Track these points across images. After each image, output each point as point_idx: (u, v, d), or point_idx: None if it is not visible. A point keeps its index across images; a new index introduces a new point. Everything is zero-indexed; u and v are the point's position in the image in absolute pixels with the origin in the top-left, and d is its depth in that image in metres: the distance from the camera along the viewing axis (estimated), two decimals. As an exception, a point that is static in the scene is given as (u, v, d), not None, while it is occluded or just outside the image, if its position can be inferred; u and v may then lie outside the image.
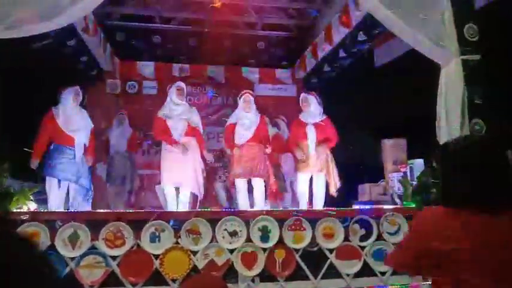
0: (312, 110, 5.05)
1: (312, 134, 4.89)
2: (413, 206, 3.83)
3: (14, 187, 3.54)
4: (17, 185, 3.74)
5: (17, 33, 3.58)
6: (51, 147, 4.51)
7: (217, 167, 6.43)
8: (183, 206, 4.61)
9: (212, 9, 6.97)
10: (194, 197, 4.82)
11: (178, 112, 4.74)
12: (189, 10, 7.62)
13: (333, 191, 4.96)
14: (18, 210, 3.38)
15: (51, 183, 4.43)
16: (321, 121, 5.01)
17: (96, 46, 6.57)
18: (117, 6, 7.10)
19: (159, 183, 5.07)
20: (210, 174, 6.57)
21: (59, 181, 4.46)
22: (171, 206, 4.64)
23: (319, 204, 4.87)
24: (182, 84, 4.94)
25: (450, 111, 4.11)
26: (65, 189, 4.48)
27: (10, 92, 6.03)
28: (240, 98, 5.04)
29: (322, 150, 4.92)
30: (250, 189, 4.85)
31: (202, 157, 4.92)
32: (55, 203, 4.38)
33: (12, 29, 3.51)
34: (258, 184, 4.78)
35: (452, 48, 4.11)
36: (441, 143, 4.16)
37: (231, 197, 6.30)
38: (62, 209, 4.32)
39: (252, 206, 4.78)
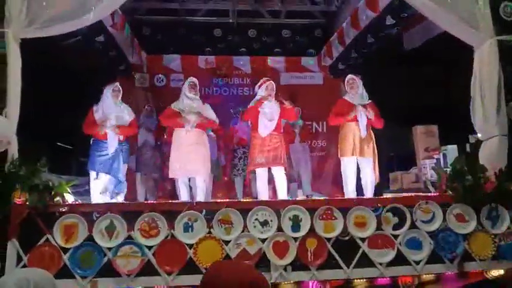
0: (360, 91, 4.90)
1: (362, 116, 4.72)
2: (448, 193, 3.73)
3: (52, 181, 3.66)
4: (55, 179, 3.88)
5: (48, 33, 3.69)
6: (91, 141, 4.71)
7: (235, 161, 6.42)
8: (201, 192, 4.71)
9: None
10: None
11: (191, 106, 4.83)
12: (213, 1, 7.63)
13: (377, 178, 4.78)
14: (57, 203, 3.50)
15: (92, 176, 4.66)
16: (368, 104, 4.86)
17: (124, 41, 6.68)
18: (142, 1, 7.18)
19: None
20: (228, 168, 6.63)
21: (97, 173, 4.65)
22: (183, 195, 4.77)
23: (369, 190, 4.69)
24: (194, 80, 5.02)
25: (485, 95, 3.97)
26: (102, 181, 4.65)
27: (43, 89, 6.25)
28: (260, 86, 5.01)
29: (370, 133, 4.79)
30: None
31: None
32: (94, 194, 4.57)
33: (43, 29, 3.63)
34: (280, 173, 4.78)
35: (487, 29, 3.95)
36: (476, 127, 4.04)
37: (248, 191, 6.32)
38: (100, 201, 4.47)
39: (274, 195, 4.78)
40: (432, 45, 6.34)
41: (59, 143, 8.76)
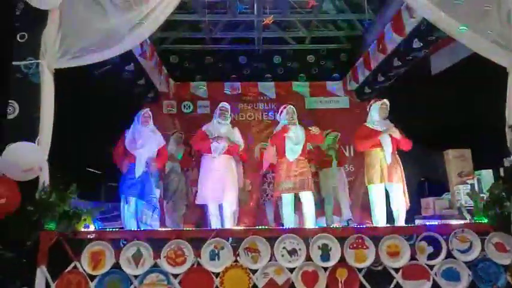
0: (385, 116, 4.80)
1: (387, 142, 4.62)
2: (486, 221, 3.54)
3: (81, 207, 3.71)
4: (83, 206, 3.93)
5: (80, 63, 3.82)
6: (128, 166, 4.71)
7: (264, 187, 6.36)
8: (227, 222, 4.66)
9: (261, 26, 7.07)
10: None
11: (220, 132, 4.86)
12: (238, 29, 7.78)
13: (407, 203, 4.61)
14: (85, 230, 3.52)
15: (122, 201, 4.66)
16: (389, 127, 4.71)
17: (153, 69, 6.86)
18: (170, 31, 7.40)
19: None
20: (255, 194, 6.54)
21: (126, 198, 4.64)
22: (214, 222, 4.70)
23: (401, 216, 4.51)
24: (225, 105, 5.07)
25: (520, 118, 3.80)
26: (133, 205, 4.63)
27: (73, 116, 6.45)
28: (281, 113, 5.00)
29: (397, 158, 4.67)
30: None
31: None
32: (124, 219, 4.58)
33: (75, 59, 3.76)
34: (308, 198, 4.68)
35: (521, 50, 3.83)
36: (511, 149, 3.86)
37: (278, 216, 6.21)
38: (133, 226, 4.47)
39: (301, 221, 4.68)
40: (461, 67, 6.21)
41: (88, 168, 8.96)
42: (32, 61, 3.65)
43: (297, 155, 4.72)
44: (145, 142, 4.68)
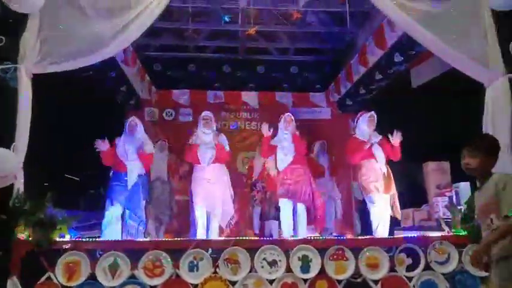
0: (374, 128, 4.89)
1: (380, 153, 4.67)
2: (464, 233, 3.60)
3: (56, 216, 3.59)
4: (61, 215, 3.80)
5: (60, 68, 3.75)
6: (111, 174, 4.72)
7: (253, 194, 6.35)
8: (213, 232, 4.63)
9: (245, 36, 7.10)
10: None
11: (206, 141, 4.85)
12: (222, 38, 7.78)
13: (399, 214, 4.67)
14: (60, 239, 3.42)
15: (107, 205, 4.61)
16: (381, 140, 4.80)
17: (135, 76, 6.79)
18: (154, 38, 7.34)
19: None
20: (245, 200, 6.53)
21: (112, 201, 4.61)
22: (200, 233, 4.65)
23: (386, 228, 4.56)
24: (208, 114, 5.07)
25: (497, 132, 3.89)
26: (118, 210, 4.57)
27: (52, 122, 6.32)
28: (280, 121, 5.00)
29: (389, 169, 4.71)
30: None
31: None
32: (105, 223, 4.50)
33: (56, 65, 3.69)
34: (301, 209, 4.68)
35: (498, 67, 3.94)
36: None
37: (263, 225, 6.20)
38: (112, 230, 4.40)
39: (294, 231, 4.67)
40: (441, 81, 6.34)
41: (67, 175, 8.78)
42: (10, 65, 3.57)
43: (286, 164, 4.72)
44: (134, 153, 4.63)
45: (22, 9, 3.59)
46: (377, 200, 4.57)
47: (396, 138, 4.69)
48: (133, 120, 4.86)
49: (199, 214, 4.70)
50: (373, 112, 4.93)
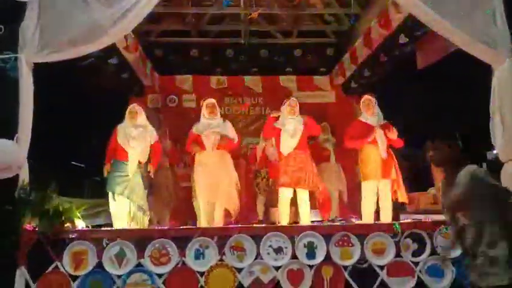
0: (376, 111, 4.76)
1: (381, 137, 4.55)
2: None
3: (63, 206, 3.60)
4: (66, 203, 3.80)
5: (60, 57, 3.71)
6: (112, 162, 4.60)
7: (257, 181, 6.33)
8: (217, 221, 4.50)
9: (247, 20, 6.98)
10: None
11: (210, 127, 4.74)
12: (224, 22, 7.67)
13: (405, 198, 4.56)
14: (67, 229, 3.44)
15: (110, 198, 4.51)
16: (384, 124, 4.69)
17: (137, 63, 6.73)
18: (155, 24, 7.25)
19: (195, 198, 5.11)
20: (249, 192, 6.51)
21: (113, 194, 4.50)
22: (205, 222, 4.55)
23: (388, 215, 4.45)
24: (212, 101, 4.91)
25: (505, 115, 3.84)
26: (122, 203, 4.47)
27: (56, 110, 6.31)
28: (284, 104, 4.90)
29: (391, 153, 4.62)
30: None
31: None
32: (115, 216, 4.43)
33: (56, 53, 3.65)
34: (304, 196, 4.60)
35: (505, 48, 3.85)
36: (496, 148, 3.91)
37: (268, 211, 6.20)
38: (121, 224, 4.32)
39: (296, 222, 4.62)
40: (447, 63, 6.23)
41: (73, 162, 8.82)
42: (10, 55, 3.53)
43: (291, 149, 4.60)
44: (138, 140, 4.57)
45: (20, -3, 3.53)
46: (372, 186, 4.51)
47: (392, 135, 4.59)
48: (133, 107, 4.78)
49: (203, 208, 4.61)
50: (366, 96, 4.80)
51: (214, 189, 4.54)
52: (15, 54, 3.52)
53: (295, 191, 4.60)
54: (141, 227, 4.33)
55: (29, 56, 3.56)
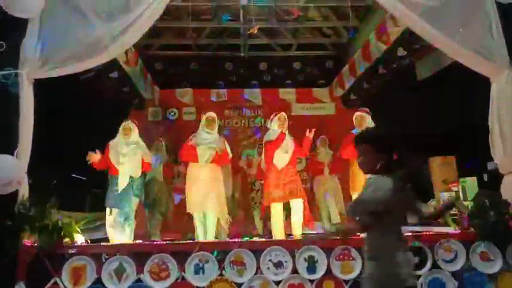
0: (367, 125, 4.82)
1: None
2: (471, 230, 3.56)
3: (62, 221, 3.59)
4: (65, 218, 3.79)
5: (61, 72, 3.73)
6: (108, 177, 4.71)
7: (252, 195, 6.33)
8: (210, 232, 4.56)
9: (247, 33, 7.05)
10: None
11: (207, 141, 4.80)
12: (224, 36, 7.74)
13: None
14: (66, 244, 3.42)
15: (107, 212, 4.63)
16: None
17: (137, 76, 6.78)
18: (155, 38, 7.32)
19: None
20: (247, 204, 6.50)
21: (110, 210, 4.62)
22: (199, 231, 4.63)
23: None
24: (212, 115, 5.00)
25: (504, 126, 3.85)
26: (114, 216, 4.57)
27: (57, 123, 6.33)
28: (272, 120, 4.96)
29: None
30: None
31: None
32: (108, 230, 4.53)
33: (58, 68, 3.67)
34: (298, 206, 4.64)
35: (503, 60, 3.88)
36: (495, 160, 3.91)
37: (267, 223, 6.18)
38: (113, 237, 4.41)
39: (289, 231, 4.64)
40: (446, 73, 6.26)
41: (73, 175, 8.80)
42: (11, 71, 3.55)
43: (285, 163, 4.69)
44: (129, 157, 4.61)
45: (22, 14, 3.57)
46: None
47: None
48: (127, 124, 4.82)
49: (197, 220, 4.67)
50: (358, 112, 4.98)
51: (204, 200, 4.60)
52: (16, 70, 3.54)
53: (287, 203, 4.66)
54: (127, 236, 4.40)
55: (29, 71, 3.58)
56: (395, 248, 2.10)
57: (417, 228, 5.22)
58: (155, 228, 5.88)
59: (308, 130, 4.89)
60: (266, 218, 6.01)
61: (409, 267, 2.13)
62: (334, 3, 6.51)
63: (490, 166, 4.37)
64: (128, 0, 3.82)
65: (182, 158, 5.03)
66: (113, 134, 4.94)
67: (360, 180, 4.54)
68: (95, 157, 4.72)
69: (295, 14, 5.14)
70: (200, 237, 4.58)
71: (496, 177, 3.96)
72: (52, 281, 3.22)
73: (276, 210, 4.69)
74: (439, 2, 3.89)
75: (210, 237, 4.47)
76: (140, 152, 4.76)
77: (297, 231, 4.57)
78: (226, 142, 4.99)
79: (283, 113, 4.98)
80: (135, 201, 4.73)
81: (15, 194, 3.39)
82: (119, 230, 4.47)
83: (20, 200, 3.37)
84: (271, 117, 5.02)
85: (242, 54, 7.98)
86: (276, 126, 4.87)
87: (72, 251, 3.35)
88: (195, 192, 4.68)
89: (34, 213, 3.35)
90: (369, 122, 4.88)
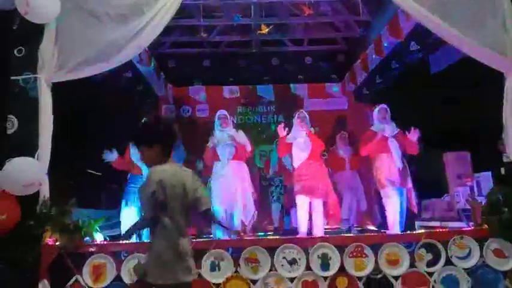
0: (390, 121, 4.83)
1: (395, 147, 4.61)
2: (485, 227, 3.56)
3: (81, 218, 3.70)
4: (85, 216, 3.91)
5: (78, 75, 3.83)
6: (128, 176, 4.87)
7: (271, 189, 6.41)
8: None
9: (258, 30, 7.06)
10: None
11: (224, 139, 4.86)
12: (236, 33, 7.76)
13: (415, 207, 4.63)
14: (86, 243, 3.54)
15: (122, 206, 4.80)
16: (398, 133, 4.75)
17: (151, 75, 6.86)
18: (167, 36, 7.37)
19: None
20: (265, 195, 6.58)
21: (127, 201, 4.79)
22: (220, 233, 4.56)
23: (401, 222, 4.52)
24: (224, 113, 5.06)
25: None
26: (132, 212, 4.71)
27: (74, 122, 6.45)
28: (294, 117, 4.99)
29: (405, 163, 4.66)
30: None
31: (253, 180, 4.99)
32: (124, 225, 4.65)
33: (74, 72, 3.77)
34: (317, 205, 4.67)
35: (518, 56, 3.84)
36: (510, 156, 3.88)
37: (282, 218, 6.26)
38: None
39: (310, 229, 4.67)
40: (460, 67, 6.18)
41: (88, 170, 8.96)
42: (30, 75, 3.66)
43: (302, 161, 4.71)
44: None
45: (38, 19, 3.66)
46: (390, 195, 4.53)
47: (413, 135, 4.61)
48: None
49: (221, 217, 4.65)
50: (383, 105, 4.86)
51: (232, 200, 4.66)
52: (34, 74, 3.65)
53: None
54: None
55: (47, 76, 3.68)
56: (169, 238, 2.21)
57: (433, 223, 5.26)
58: None
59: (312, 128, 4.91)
60: (286, 212, 6.10)
61: (183, 261, 2.22)
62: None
63: (505, 158, 4.33)
64: (140, 2, 3.90)
65: (207, 162, 5.09)
66: (127, 130, 5.02)
67: (387, 176, 4.54)
68: (111, 156, 4.82)
69: (306, 12, 5.14)
70: (219, 235, 4.55)
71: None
72: (73, 279, 3.34)
73: (300, 203, 4.69)
74: (451, -3, 3.87)
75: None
76: None
77: (317, 232, 4.54)
78: (243, 134, 5.01)
79: (303, 111, 4.99)
80: None
81: (37, 194, 3.51)
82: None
83: (42, 201, 3.49)
84: (294, 114, 5.01)
85: (254, 51, 8.01)
86: (296, 124, 4.88)
87: (93, 249, 3.46)
88: (221, 191, 4.72)
89: (55, 213, 3.47)
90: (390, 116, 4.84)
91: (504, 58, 3.85)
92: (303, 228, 4.59)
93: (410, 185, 4.59)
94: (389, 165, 4.56)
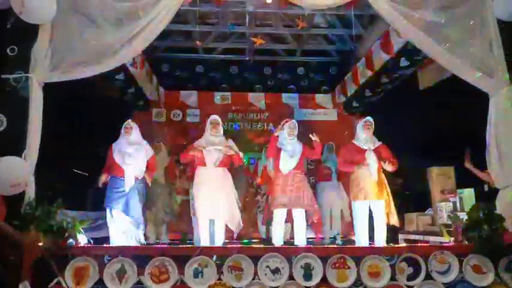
0: (371, 134, 4.79)
1: (373, 160, 4.59)
2: (465, 243, 3.64)
3: (65, 219, 3.67)
4: (69, 217, 3.87)
5: (72, 76, 3.84)
6: (108, 178, 4.68)
7: (257, 197, 6.42)
8: (218, 238, 4.55)
9: (252, 38, 7.12)
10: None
11: (213, 144, 4.74)
12: (230, 40, 7.83)
13: (395, 221, 4.58)
14: (70, 245, 3.52)
15: (108, 214, 4.60)
16: (379, 146, 4.72)
17: (143, 78, 6.87)
18: (162, 40, 7.40)
19: (194, 214, 5.18)
20: (251, 206, 6.59)
21: (111, 211, 4.59)
22: (204, 239, 4.56)
23: (381, 235, 4.51)
24: (216, 118, 4.93)
25: (501, 142, 3.92)
26: (119, 218, 4.56)
27: (61, 121, 6.42)
28: (283, 125, 4.97)
29: (382, 176, 4.64)
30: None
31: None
32: (112, 232, 4.53)
33: (67, 73, 3.77)
34: (300, 215, 4.67)
35: (502, 76, 3.95)
36: (492, 175, 3.98)
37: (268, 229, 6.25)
38: (118, 240, 4.43)
39: (292, 238, 4.66)
40: (448, 84, 6.32)
41: (75, 170, 8.90)
42: (22, 75, 3.66)
43: (291, 169, 4.69)
44: (133, 157, 4.64)
45: (34, 19, 3.67)
46: (362, 207, 4.56)
47: (386, 167, 4.60)
48: (128, 123, 4.85)
49: (202, 225, 4.61)
50: (368, 118, 4.83)
51: (215, 207, 4.54)
52: (26, 74, 3.65)
53: (290, 210, 4.68)
54: (136, 242, 4.42)
55: (39, 76, 3.68)
56: None
57: (416, 237, 5.32)
58: (159, 233, 5.95)
59: (313, 134, 4.84)
60: (269, 222, 6.08)
61: None
62: (339, 11, 6.57)
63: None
64: (137, 7, 3.94)
65: (182, 159, 4.93)
66: (116, 135, 5.00)
67: (361, 188, 4.55)
68: (101, 179, 4.74)
69: (300, 25, 5.21)
70: (204, 242, 4.50)
71: (496, 188, 4.02)
72: (55, 281, 3.32)
73: (278, 216, 4.68)
74: (441, 18, 3.97)
75: (219, 244, 4.44)
76: (144, 151, 4.78)
77: (299, 241, 4.55)
78: (233, 142, 4.90)
79: (294, 121, 4.95)
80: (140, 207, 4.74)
81: (22, 194, 3.50)
82: (131, 237, 4.51)
83: (27, 201, 3.48)
84: (282, 123, 4.98)
85: (247, 59, 8.07)
86: (285, 132, 4.84)
87: (76, 252, 3.44)
88: (202, 198, 4.61)
89: (40, 214, 3.46)
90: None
91: (490, 80, 3.96)
92: (279, 241, 4.58)
93: (387, 197, 4.58)
94: (364, 178, 4.57)
